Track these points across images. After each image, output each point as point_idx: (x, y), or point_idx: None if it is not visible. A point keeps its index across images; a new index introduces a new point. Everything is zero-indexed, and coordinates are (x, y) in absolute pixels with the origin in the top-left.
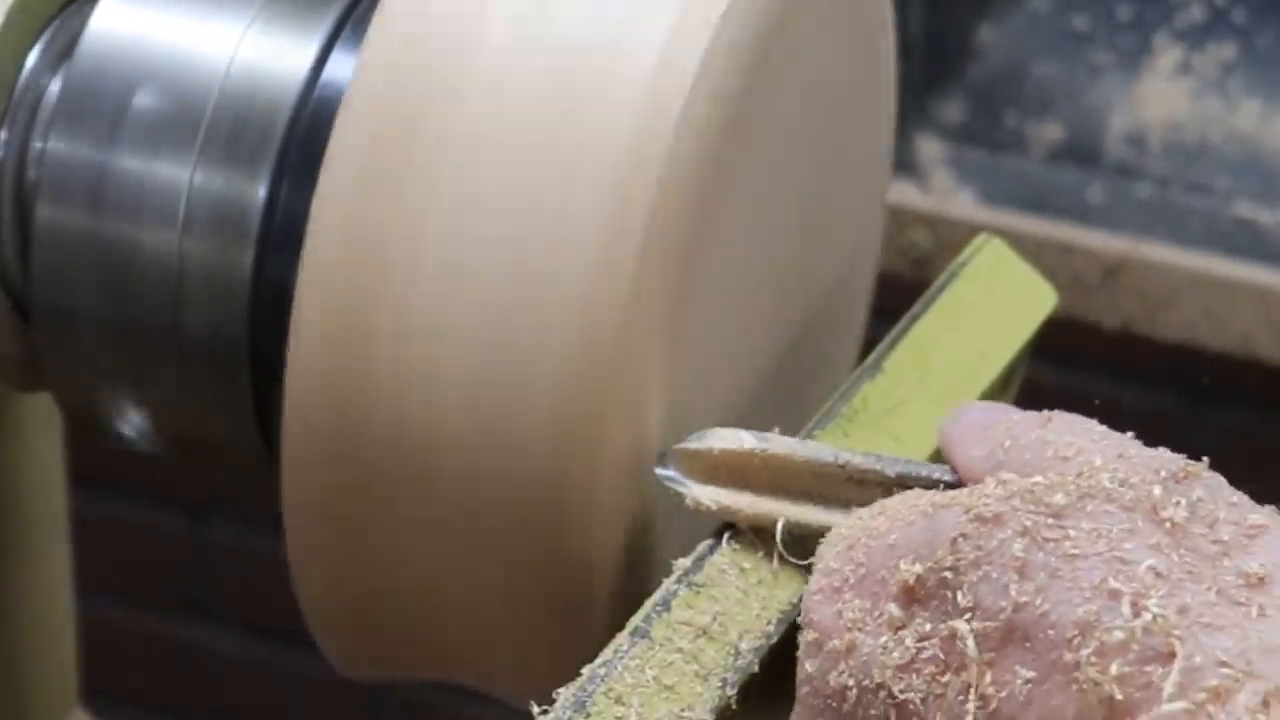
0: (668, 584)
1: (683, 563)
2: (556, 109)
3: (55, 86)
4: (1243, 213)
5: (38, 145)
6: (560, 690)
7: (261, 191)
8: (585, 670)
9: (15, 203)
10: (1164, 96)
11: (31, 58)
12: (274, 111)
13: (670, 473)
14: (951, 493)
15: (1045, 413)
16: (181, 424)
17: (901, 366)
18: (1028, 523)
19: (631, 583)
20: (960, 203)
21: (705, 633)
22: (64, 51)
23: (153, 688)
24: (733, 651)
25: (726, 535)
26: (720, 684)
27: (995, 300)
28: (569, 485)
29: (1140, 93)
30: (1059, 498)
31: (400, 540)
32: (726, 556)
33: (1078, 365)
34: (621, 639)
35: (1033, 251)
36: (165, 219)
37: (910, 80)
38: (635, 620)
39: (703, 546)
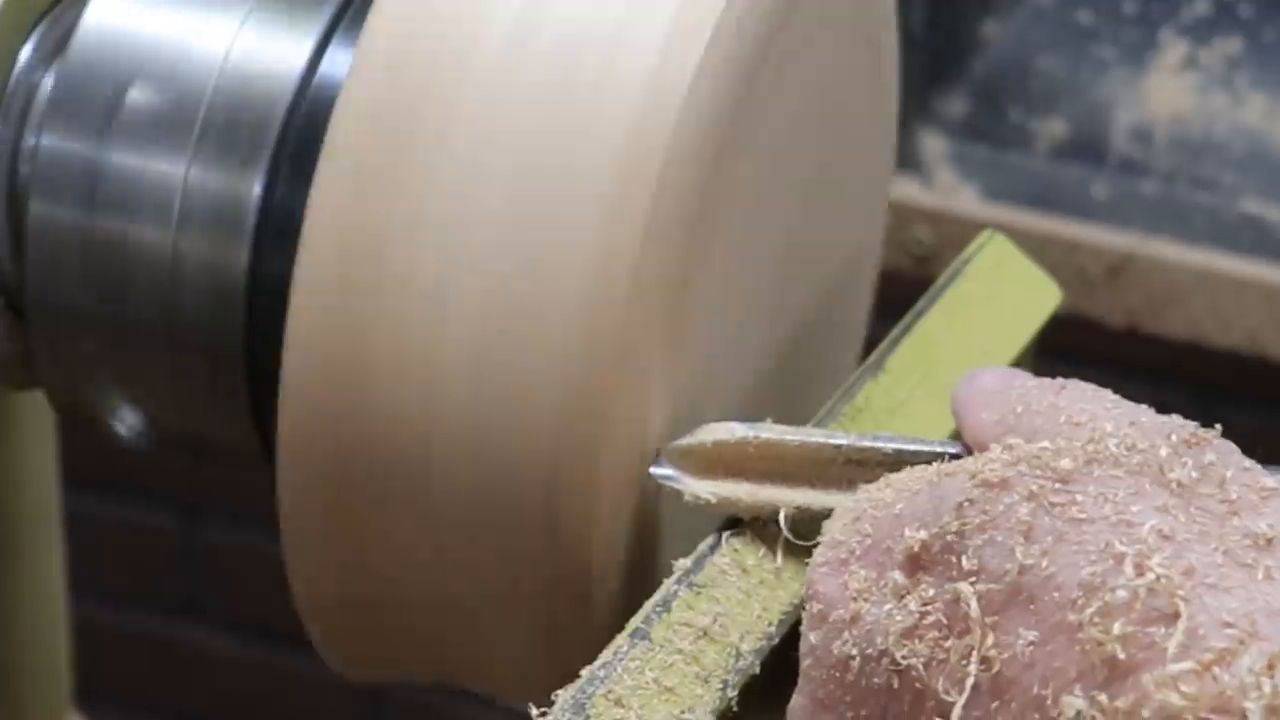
0: (668, 585)
1: (683, 563)
2: (556, 103)
3: (48, 82)
4: (1249, 209)
5: (30, 141)
6: (559, 692)
7: (257, 187)
8: (584, 672)
9: (8, 199)
10: (1170, 92)
11: (24, 52)
12: (270, 106)
13: (666, 470)
14: (958, 461)
15: (1059, 380)
16: (176, 422)
17: (904, 365)
18: (1034, 487)
19: (632, 584)
20: (964, 199)
21: (706, 634)
22: (57, 46)
23: (147, 689)
24: (734, 653)
25: (727, 535)
26: (721, 686)
27: (999, 298)
28: (569, 485)
29: (1146, 88)
30: (1065, 463)
31: (398, 540)
32: (727, 556)
33: (1082, 363)
34: (621, 640)
35: (1037, 248)
36: (159, 215)
37: (913, 75)
38: (635, 622)
39: (703, 547)
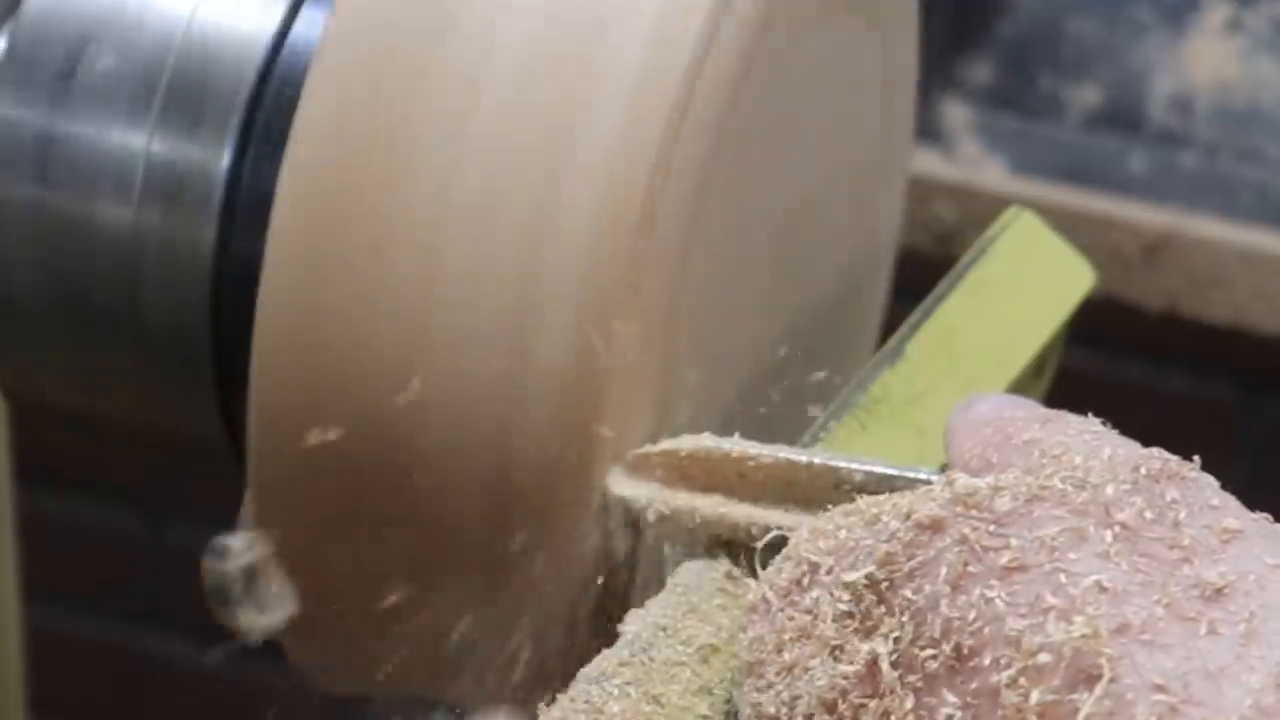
0: (670, 590)
1: (686, 568)
2: (547, 67)
3: (0, 46)
4: None
5: None
6: (551, 704)
7: (225, 161)
8: (577, 683)
9: None
10: (1212, 57)
11: None
12: (239, 73)
13: (623, 480)
14: (902, 498)
15: (1050, 411)
16: (138, 415)
17: (925, 352)
18: (967, 530)
19: (626, 593)
20: (989, 173)
21: (710, 643)
22: (9, 8)
23: (106, 701)
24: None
25: (728, 544)
26: (726, 700)
27: (1027, 279)
28: (558, 487)
29: (1186, 53)
30: (1003, 502)
31: (375, 542)
32: (727, 565)
33: (1117, 350)
34: (619, 649)
35: (1068, 226)
36: (120, 190)
37: (935, 39)
38: (634, 630)
39: (706, 554)
